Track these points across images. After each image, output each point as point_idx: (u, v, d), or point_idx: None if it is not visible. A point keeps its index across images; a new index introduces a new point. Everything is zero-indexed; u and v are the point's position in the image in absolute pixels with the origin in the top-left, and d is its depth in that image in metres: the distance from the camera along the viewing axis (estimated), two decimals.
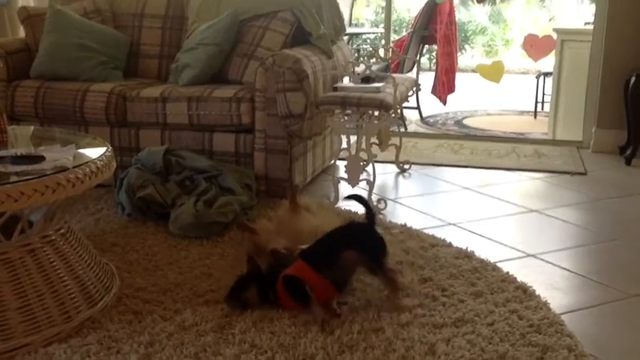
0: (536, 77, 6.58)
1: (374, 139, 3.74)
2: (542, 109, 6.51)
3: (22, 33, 4.07)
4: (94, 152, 2.23)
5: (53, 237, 2.15)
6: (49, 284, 2.06)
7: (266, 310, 2.16)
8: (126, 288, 2.33)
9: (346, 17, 7.11)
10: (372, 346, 1.98)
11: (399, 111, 4.24)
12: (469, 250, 2.72)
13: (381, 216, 3.21)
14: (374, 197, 3.34)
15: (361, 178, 3.35)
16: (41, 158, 2.14)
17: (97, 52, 3.76)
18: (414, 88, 4.15)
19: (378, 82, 3.52)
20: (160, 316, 2.14)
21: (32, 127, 3.21)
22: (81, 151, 2.26)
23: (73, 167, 2.04)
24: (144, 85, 3.64)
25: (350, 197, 2.52)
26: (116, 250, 2.69)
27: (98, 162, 2.14)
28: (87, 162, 2.11)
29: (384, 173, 4.02)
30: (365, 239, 2.30)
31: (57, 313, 2.04)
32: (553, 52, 5.84)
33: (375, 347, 1.97)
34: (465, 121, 6.33)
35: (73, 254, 2.19)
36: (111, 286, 2.29)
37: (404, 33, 7.27)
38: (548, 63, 6.73)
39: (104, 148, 2.29)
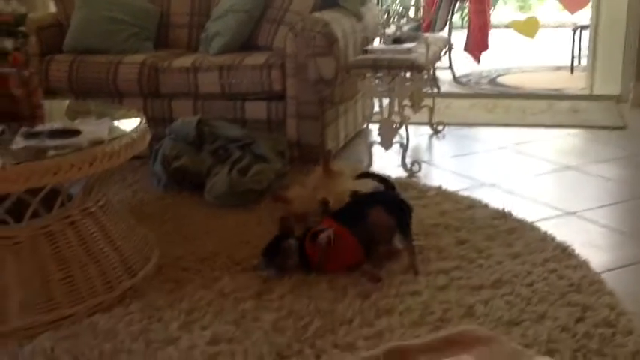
0: (573, 30, 6.41)
1: (406, 101, 3.70)
2: (579, 63, 6.35)
3: (53, 8, 4.10)
4: (129, 124, 2.25)
5: (93, 209, 2.19)
6: (91, 255, 2.10)
7: (303, 276, 2.19)
8: (165, 257, 2.37)
9: None
10: (409, 309, 1.98)
11: (431, 72, 4.18)
12: (506, 210, 2.70)
13: (415, 179, 3.19)
14: (408, 160, 3.32)
15: (394, 141, 3.32)
16: (77, 132, 2.16)
17: (128, 24, 3.77)
18: (447, 48, 4.08)
19: (410, 42, 3.47)
20: (199, 284, 2.18)
21: (67, 101, 3.27)
22: (116, 123, 2.28)
23: (109, 140, 2.06)
24: (175, 55, 3.65)
25: (361, 175, 2.59)
26: (154, 220, 2.73)
27: (133, 134, 2.16)
28: (122, 135, 2.13)
29: (418, 135, 3.98)
30: (392, 202, 2.37)
31: (99, 283, 2.09)
32: (590, 3, 5.67)
33: (412, 310, 1.98)
34: (499, 79, 6.22)
35: (112, 226, 2.23)
36: (150, 255, 2.33)
37: None
38: (585, 15, 6.55)
39: (139, 120, 2.30)
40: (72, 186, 2.19)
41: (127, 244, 2.23)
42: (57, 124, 2.31)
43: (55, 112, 2.74)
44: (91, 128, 2.19)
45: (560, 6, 8.75)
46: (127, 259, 2.20)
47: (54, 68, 3.60)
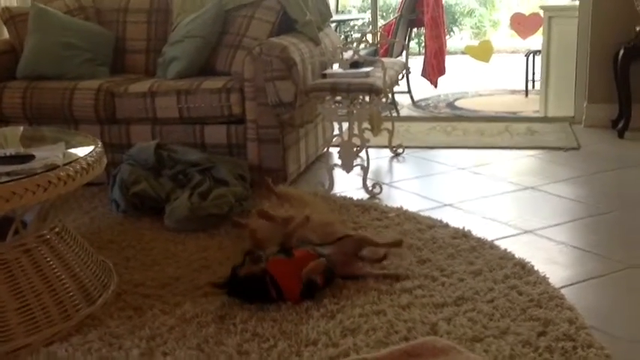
0: (526, 56, 6.57)
1: (366, 125, 3.72)
2: (533, 87, 6.51)
3: (6, 34, 4.04)
4: (84, 150, 2.21)
5: (48, 236, 2.14)
6: (47, 283, 2.05)
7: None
8: (124, 284, 2.33)
9: (333, 4, 7.10)
10: (374, 329, 1.98)
11: (389, 95, 4.23)
12: (466, 229, 2.72)
13: (377, 200, 3.21)
14: (369, 182, 3.33)
15: (355, 163, 3.34)
16: (31, 157, 2.12)
17: (83, 49, 3.73)
18: (404, 72, 4.13)
19: (367, 66, 3.51)
20: (160, 310, 2.14)
21: (21, 128, 3.20)
22: (71, 149, 2.24)
23: (64, 165, 2.02)
24: (131, 80, 3.62)
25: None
26: (113, 246, 2.68)
27: (89, 159, 2.12)
28: (77, 159, 2.09)
29: (378, 158, 4.01)
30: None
31: (56, 312, 2.03)
32: (541, 29, 5.83)
33: (377, 329, 1.97)
34: (456, 103, 6.32)
35: (69, 252, 2.17)
36: (109, 283, 2.28)
37: (391, 17, 7.24)
38: (537, 41, 6.73)
39: (94, 145, 2.27)
40: (26, 213, 2.13)
41: (84, 272, 2.18)
42: (10, 150, 2.26)
43: (9, 138, 2.69)
44: (45, 153, 2.15)
45: (513, 32, 8.98)
46: (85, 287, 2.15)
47: (7, 95, 3.54)
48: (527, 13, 8.24)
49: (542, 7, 6.07)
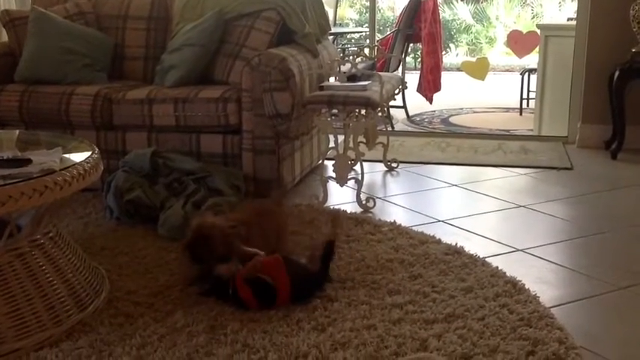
0: (521, 74, 6.62)
1: (361, 138, 3.74)
2: (528, 105, 6.55)
3: (4, 37, 4.04)
4: (80, 155, 2.22)
5: (42, 241, 2.14)
6: (39, 288, 2.05)
7: (257, 311, 2.17)
8: (116, 291, 2.33)
9: (331, 17, 7.13)
10: (364, 343, 1.98)
11: (385, 109, 4.25)
12: (458, 246, 2.74)
13: (370, 214, 3.22)
14: (362, 196, 3.34)
15: (349, 176, 3.35)
16: (28, 161, 2.13)
17: (81, 54, 3.73)
18: (400, 87, 4.16)
19: (364, 80, 3.53)
20: (151, 318, 2.14)
21: (17, 131, 3.20)
22: (67, 154, 2.25)
23: (61, 170, 2.03)
24: (129, 87, 3.63)
25: None
26: (105, 253, 2.68)
27: (85, 164, 2.13)
28: (74, 165, 2.09)
29: (372, 172, 4.02)
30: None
31: (47, 317, 2.03)
32: (537, 48, 5.88)
33: (367, 344, 1.98)
34: (451, 119, 6.36)
35: (62, 258, 2.17)
36: (101, 289, 2.28)
37: (388, 32, 7.29)
38: (533, 59, 6.78)
39: (91, 151, 2.27)
40: (20, 217, 2.13)
41: (77, 278, 2.18)
42: (6, 153, 2.26)
43: (5, 142, 2.68)
44: (42, 158, 2.16)
45: (509, 50, 9.04)
46: (77, 293, 2.15)
47: (4, 98, 3.54)
48: (524, 31, 8.30)
49: (538, 26, 6.13)
